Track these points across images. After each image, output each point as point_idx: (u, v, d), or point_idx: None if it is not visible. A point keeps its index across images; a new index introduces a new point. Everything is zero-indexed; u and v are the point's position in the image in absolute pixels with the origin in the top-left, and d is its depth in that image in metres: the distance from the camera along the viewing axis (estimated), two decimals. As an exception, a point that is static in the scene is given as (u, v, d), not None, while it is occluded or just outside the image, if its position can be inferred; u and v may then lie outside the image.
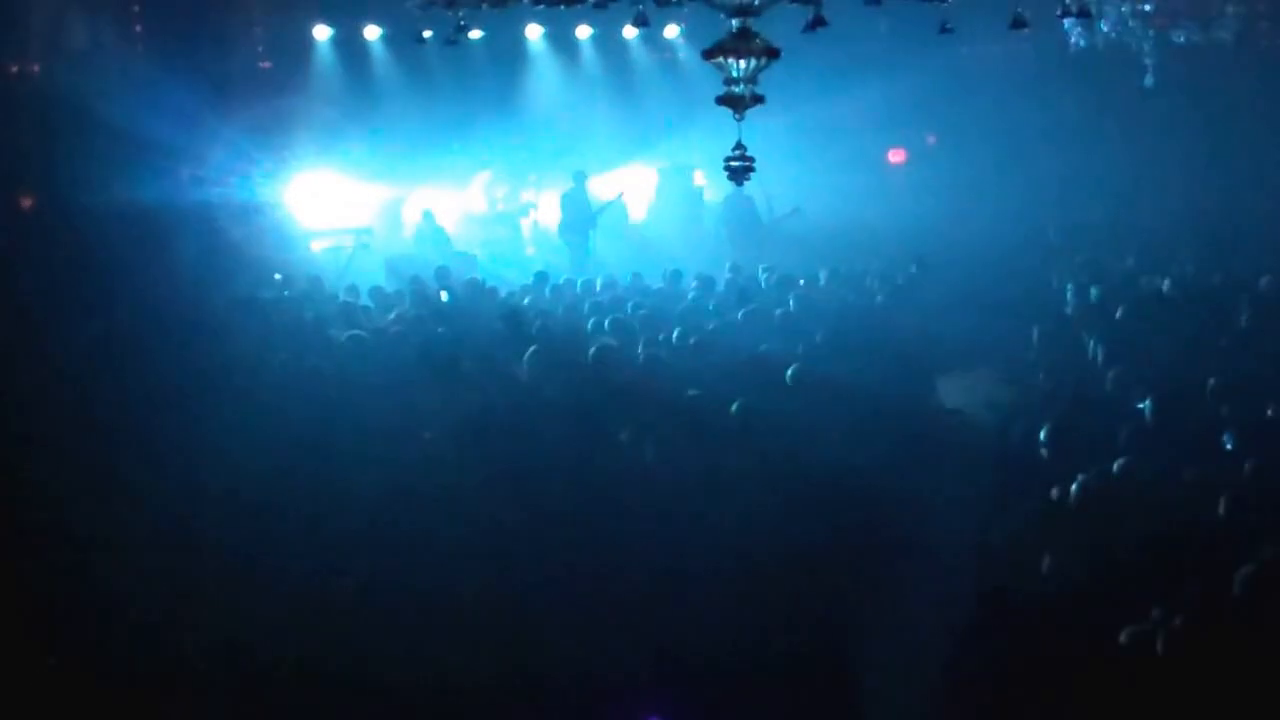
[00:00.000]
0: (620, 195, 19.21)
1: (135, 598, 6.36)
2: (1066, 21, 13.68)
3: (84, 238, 13.05)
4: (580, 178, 18.48)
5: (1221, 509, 6.39)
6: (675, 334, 10.75)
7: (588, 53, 20.51)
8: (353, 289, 14.33)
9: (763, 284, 13.65)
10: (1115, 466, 6.94)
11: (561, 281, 14.71)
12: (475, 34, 17.12)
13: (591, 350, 9.90)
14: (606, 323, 11.23)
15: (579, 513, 7.14)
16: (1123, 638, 5.37)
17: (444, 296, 13.66)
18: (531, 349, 9.92)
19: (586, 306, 12.60)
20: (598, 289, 13.96)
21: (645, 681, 5.99)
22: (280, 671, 6.01)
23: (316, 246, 17.69)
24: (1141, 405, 8.17)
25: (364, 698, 5.91)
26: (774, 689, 5.87)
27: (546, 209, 19.74)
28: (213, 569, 6.63)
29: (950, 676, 5.77)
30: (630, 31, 19.49)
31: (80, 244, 12.97)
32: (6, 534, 6.98)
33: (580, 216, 18.26)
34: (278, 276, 14.89)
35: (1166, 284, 12.46)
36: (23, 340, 10.34)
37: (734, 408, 8.39)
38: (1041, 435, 7.63)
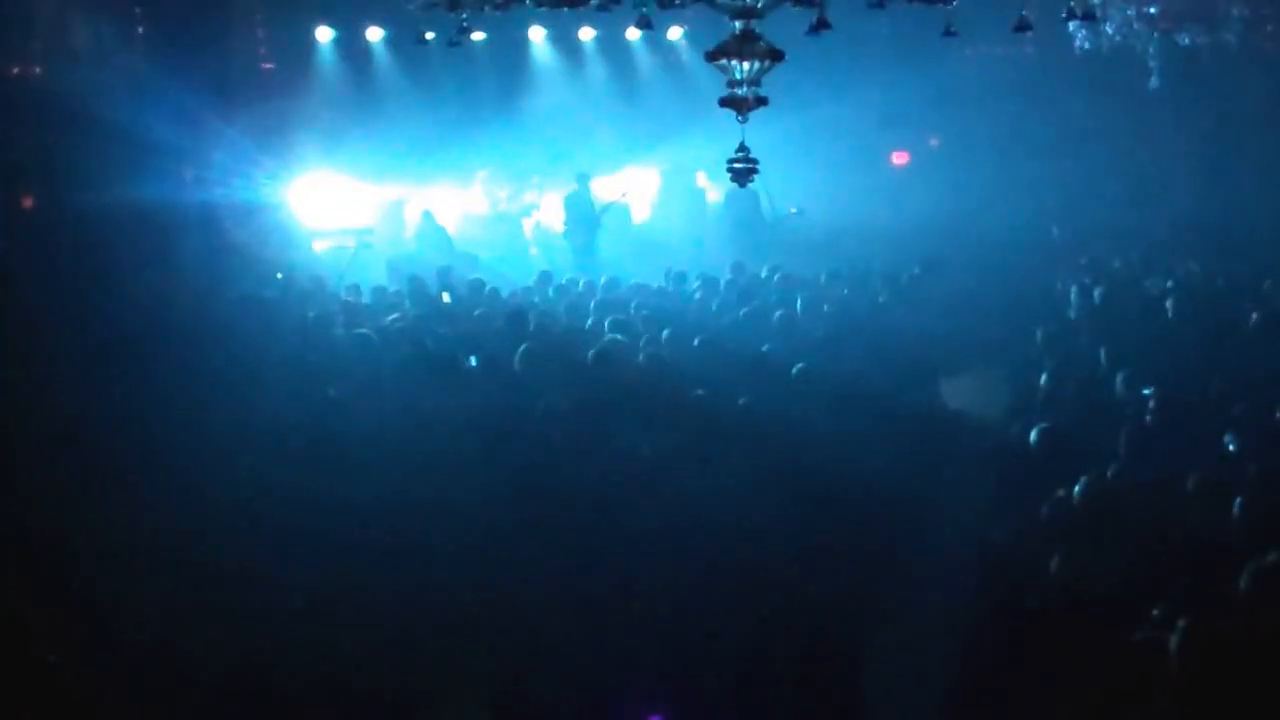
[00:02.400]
0: (624, 195, 19.19)
1: (135, 599, 6.30)
2: (1071, 24, 13.65)
3: (86, 239, 12.99)
4: (584, 179, 18.46)
5: (1230, 510, 6.32)
6: (678, 334, 10.72)
7: (591, 55, 20.50)
8: (354, 288, 14.33)
9: (765, 284, 13.63)
10: (1118, 468, 6.92)
11: (564, 281, 14.70)
12: (478, 36, 17.17)
13: (592, 351, 9.89)
14: (607, 323, 11.21)
15: (580, 514, 7.08)
16: (1132, 638, 5.30)
17: (445, 298, 13.64)
18: (524, 347, 9.91)
19: (589, 306, 12.58)
20: (599, 290, 13.93)
21: (648, 683, 5.96)
22: (280, 673, 5.97)
23: (319, 247, 17.69)
24: (1145, 407, 8.15)
25: (364, 698, 5.89)
26: (778, 690, 5.84)
27: (549, 210, 19.73)
28: (214, 569, 6.55)
29: (956, 678, 5.73)
30: (633, 33, 19.48)
31: (82, 245, 12.91)
32: (7, 537, 6.89)
33: (584, 217, 18.25)
34: (279, 276, 14.87)
35: (1171, 285, 12.43)
36: (24, 341, 10.30)
37: (738, 406, 8.36)
38: (1045, 437, 7.59)
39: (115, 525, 6.90)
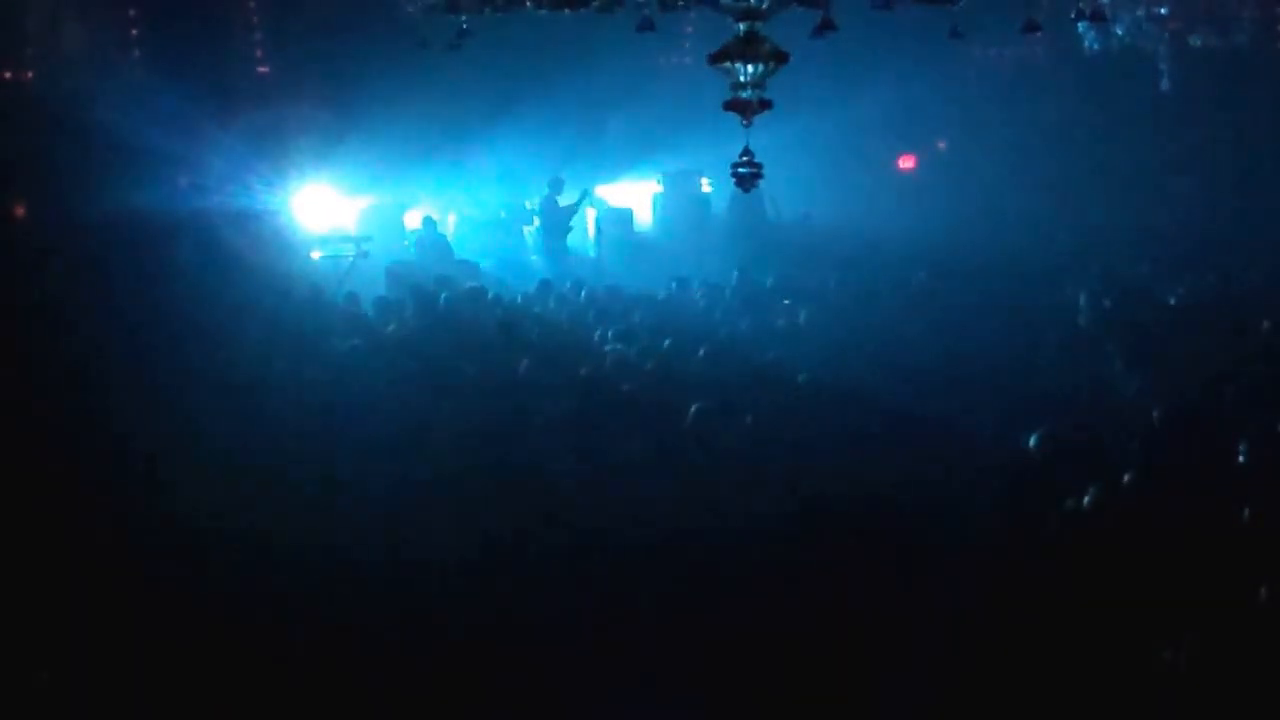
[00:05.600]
0: (586, 194, 19.03)
1: (133, 606, 6.29)
2: (1080, 25, 13.56)
3: (82, 246, 13.02)
4: (556, 185, 18.45)
5: (1240, 519, 6.28)
6: (682, 343, 10.62)
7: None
8: (353, 297, 14.23)
9: (771, 293, 13.54)
10: (1128, 476, 6.84)
11: (566, 289, 14.60)
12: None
13: (594, 363, 9.83)
14: (610, 332, 11.11)
15: (582, 524, 7.03)
16: (1139, 648, 5.31)
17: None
18: (525, 362, 9.83)
19: (591, 315, 12.48)
20: (601, 299, 13.81)
21: (651, 690, 5.86)
22: (278, 678, 5.92)
23: (316, 255, 17.59)
24: (1155, 415, 8.07)
25: (365, 705, 5.83)
26: (783, 698, 5.76)
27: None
28: (212, 578, 6.56)
29: (964, 687, 5.68)
30: (635, 36, 19.38)
31: (78, 252, 12.94)
32: (6, 540, 6.93)
33: (554, 222, 18.28)
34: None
35: (1181, 292, 12.36)
36: (21, 348, 10.26)
37: (743, 418, 8.28)
38: (1054, 445, 7.50)
39: (109, 532, 6.91)
